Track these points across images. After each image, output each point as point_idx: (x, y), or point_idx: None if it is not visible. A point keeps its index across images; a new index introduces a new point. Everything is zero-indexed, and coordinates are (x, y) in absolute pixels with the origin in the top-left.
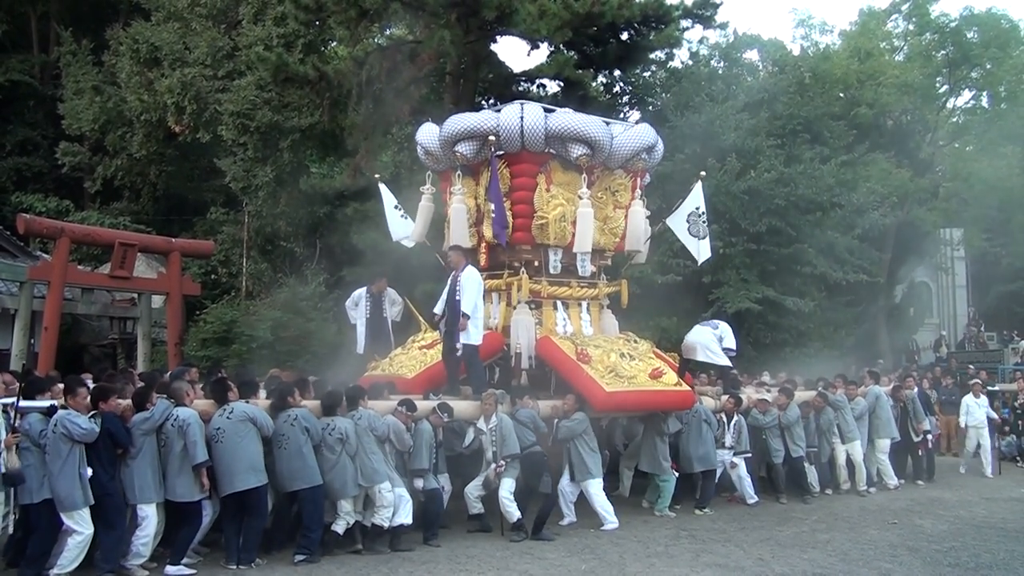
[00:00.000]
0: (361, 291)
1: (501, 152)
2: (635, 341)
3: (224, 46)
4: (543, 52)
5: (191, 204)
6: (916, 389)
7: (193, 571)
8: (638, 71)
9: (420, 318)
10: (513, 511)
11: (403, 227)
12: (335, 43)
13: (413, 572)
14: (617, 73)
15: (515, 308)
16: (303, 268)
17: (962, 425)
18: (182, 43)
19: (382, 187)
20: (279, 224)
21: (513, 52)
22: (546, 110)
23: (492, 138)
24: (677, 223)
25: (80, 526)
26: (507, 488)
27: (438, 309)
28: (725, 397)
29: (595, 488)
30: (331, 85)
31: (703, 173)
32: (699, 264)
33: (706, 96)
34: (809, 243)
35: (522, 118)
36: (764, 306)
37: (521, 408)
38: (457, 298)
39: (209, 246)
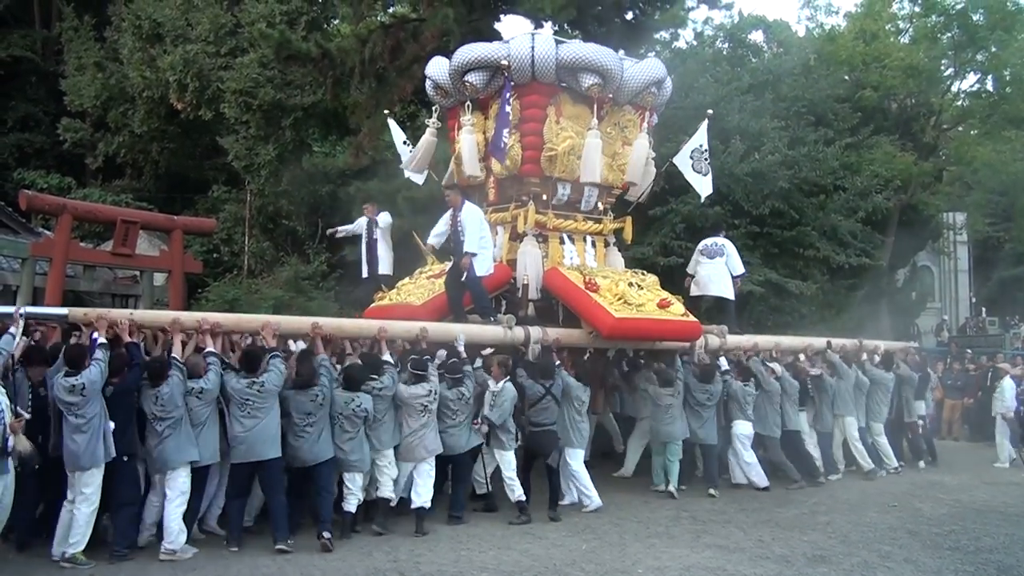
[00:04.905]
0: (362, 220)
1: (512, 83)
2: (643, 274)
3: (227, 23)
4: (547, 31)
5: (193, 182)
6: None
7: (195, 549)
8: (642, 51)
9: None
10: (516, 491)
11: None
12: (338, 20)
13: (414, 550)
14: (621, 53)
15: (521, 240)
16: (305, 247)
17: None
18: (184, 19)
19: (391, 122)
20: (281, 203)
21: (517, 31)
22: (557, 41)
23: (504, 62)
24: (682, 160)
25: (92, 488)
26: (510, 467)
27: (433, 240)
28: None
29: (576, 461)
30: (334, 63)
31: (710, 112)
32: (702, 200)
33: (710, 77)
34: (812, 226)
35: (533, 48)
36: (766, 288)
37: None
38: (461, 239)
39: (211, 224)
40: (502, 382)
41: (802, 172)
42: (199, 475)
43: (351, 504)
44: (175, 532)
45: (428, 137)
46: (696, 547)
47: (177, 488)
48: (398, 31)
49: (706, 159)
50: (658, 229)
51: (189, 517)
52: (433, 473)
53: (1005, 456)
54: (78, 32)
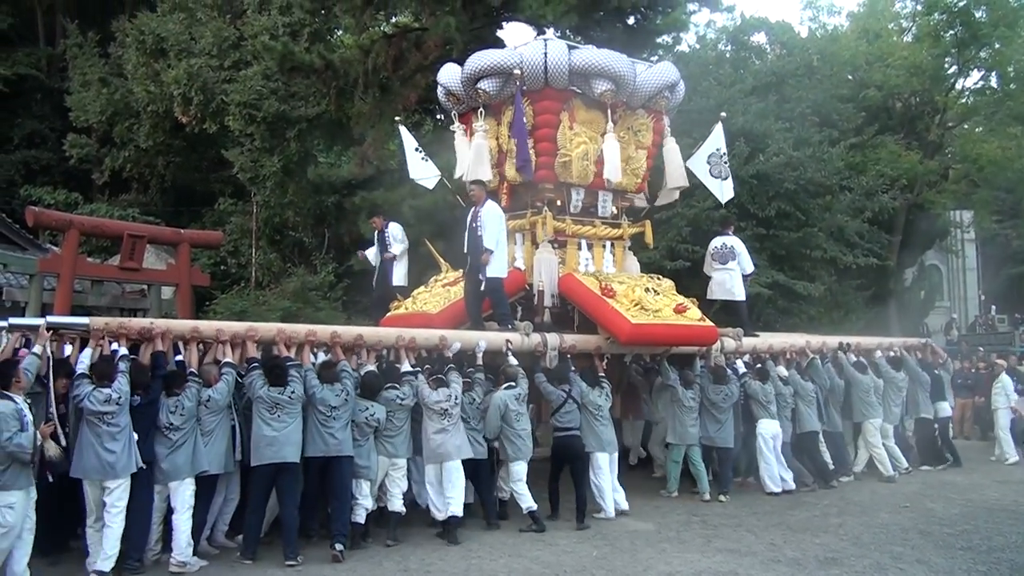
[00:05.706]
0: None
1: (524, 88)
2: (659, 279)
3: (230, 36)
4: (551, 37)
5: (199, 195)
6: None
7: (204, 562)
8: (645, 56)
9: (441, 260)
10: (526, 501)
11: (423, 168)
12: (341, 31)
13: (425, 559)
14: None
15: (539, 246)
16: (312, 257)
17: None
18: (188, 34)
19: (402, 129)
20: (287, 214)
21: (518, 39)
22: (569, 47)
23: (516, 72)
24: (698, 165)
25: (125, 500)
26: (515, 477)
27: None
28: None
29: (603, 463)
30: (337, 74)
31: (724, 114)
32: (722, 205)
33: (714, 80)
34: (819, 227)
35: (546, 54)
36: (774, 291)
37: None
38: (479, 234)
39: (218, 237)
40: (498, 391)
41: (807, 173)
42: (207, 486)
43: (360, 515)
44: (183, 544)
45: (479, 140)
46: (707, 551)
47: (185, 500)
48: (400, 41)
49: (725, 162)
50: (664, 232)
51: (195, 530)
52: (463, 481)
53: (1011, 450)
54: (82, 48)
